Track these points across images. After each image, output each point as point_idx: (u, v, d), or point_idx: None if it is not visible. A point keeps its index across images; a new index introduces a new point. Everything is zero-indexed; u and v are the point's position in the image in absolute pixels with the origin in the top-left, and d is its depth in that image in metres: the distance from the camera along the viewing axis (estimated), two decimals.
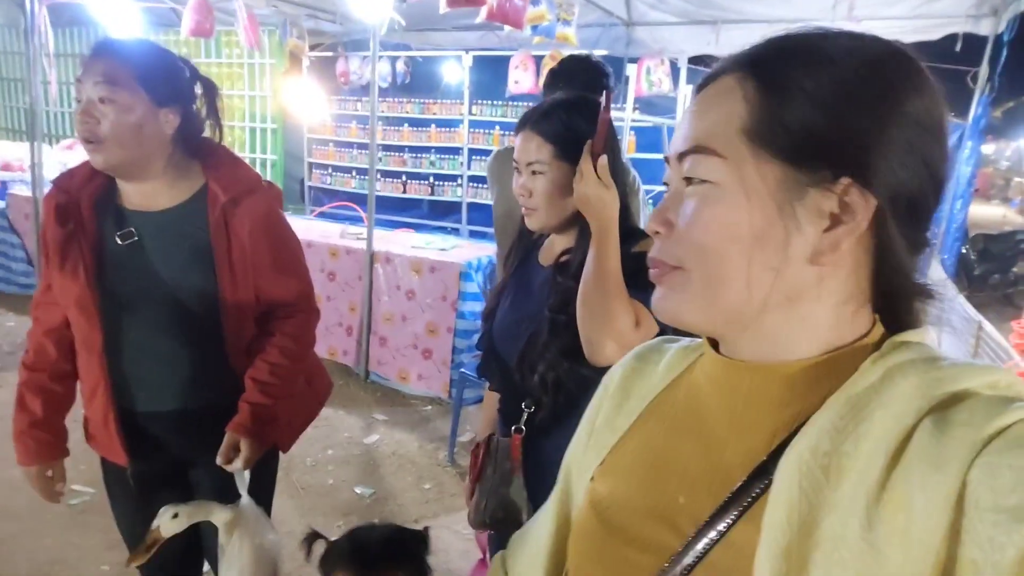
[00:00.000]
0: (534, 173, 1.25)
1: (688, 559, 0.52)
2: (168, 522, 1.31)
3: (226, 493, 1.45)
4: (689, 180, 0.53)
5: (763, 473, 0.50)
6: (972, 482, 0.41)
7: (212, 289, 1.38)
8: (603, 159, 1.12)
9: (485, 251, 4.05)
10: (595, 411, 0.72)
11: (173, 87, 1.37)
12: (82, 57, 1.32)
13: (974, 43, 4.59)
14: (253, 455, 1.42)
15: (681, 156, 0.54)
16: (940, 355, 0.49)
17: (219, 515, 1.37)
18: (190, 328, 1.40)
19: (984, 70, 4.84)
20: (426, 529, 1.19)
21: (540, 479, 1.26)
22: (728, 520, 0.51)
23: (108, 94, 1.28)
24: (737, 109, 0.51)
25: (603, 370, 0.93)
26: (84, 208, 1.36)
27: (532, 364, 1.23)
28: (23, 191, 5.20)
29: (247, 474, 1.44)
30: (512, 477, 1.28)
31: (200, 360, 1.43)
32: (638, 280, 1.13)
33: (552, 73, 2.22)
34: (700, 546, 0.51)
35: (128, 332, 1.39)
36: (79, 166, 1.42)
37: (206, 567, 1.68)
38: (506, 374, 1.34)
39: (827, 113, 0.48)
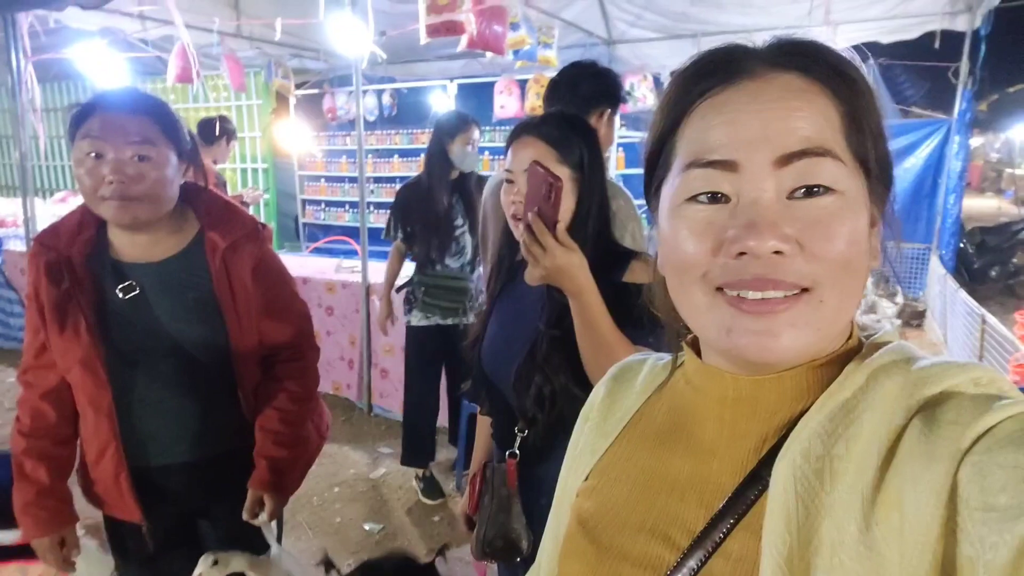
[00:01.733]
0: None
1: (684, 572, 0.51)
2: (208, 570, 1.36)
3: (238, 537, 1.46)
4: (808, 192, 0.47)
5: (755, 480, 0.50)
6: (962, 481, 0.41)
7: (221, 338, 1.38)
8: (561, 226, 1.08)
9: (481, 280, 4.03)
10: (576, 436, 0.71)
11: (185, 138, 1.38)
12: (77, 112, 1.29)
13: (952, 40, 4.64)
14: (277, 507, 1.46)
15: (791, 158, 0.47)
16: (919, 354, 0.50)
17: (256, 567, 1.42)
18: (199, 378, 1.39)
19: (964, 65, 4.90)
20: (434, 560, 1.20)
21: (537, 502, 1.24)
22: (723, 530, 0.50)
23: (145, 152, 1.28)
24: (831, 114, 0.48)
25: None
26: (77, 264, 1.33)
27: (527, 380, 1.21)
28: (18, 246, 5.21)
29: (274, 524, 1.48)
30: (510, 503, 1.25)
31: (210, 409, 1.42)
32: (631, 315, 1.11)
33: (553, 83, 2.01)
34: (696, 558, 0.51)
35: (135, 388, 1.37)
36: (61, 221, 1.40)
37: None
38: (497, 398, 1.32)
39: (880, 133, 0.51)
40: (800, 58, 0.50)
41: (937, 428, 0.43)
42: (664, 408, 0.62)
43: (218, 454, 1.46)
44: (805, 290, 0.48)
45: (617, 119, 2.00)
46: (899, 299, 5.82)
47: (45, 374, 1.40)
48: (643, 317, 1.10)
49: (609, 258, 1.22)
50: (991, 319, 3.69)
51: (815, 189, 0.47)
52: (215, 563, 1.39)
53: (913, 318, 5.72)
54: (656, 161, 0.56)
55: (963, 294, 4.29)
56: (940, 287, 5.19)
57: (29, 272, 1.36)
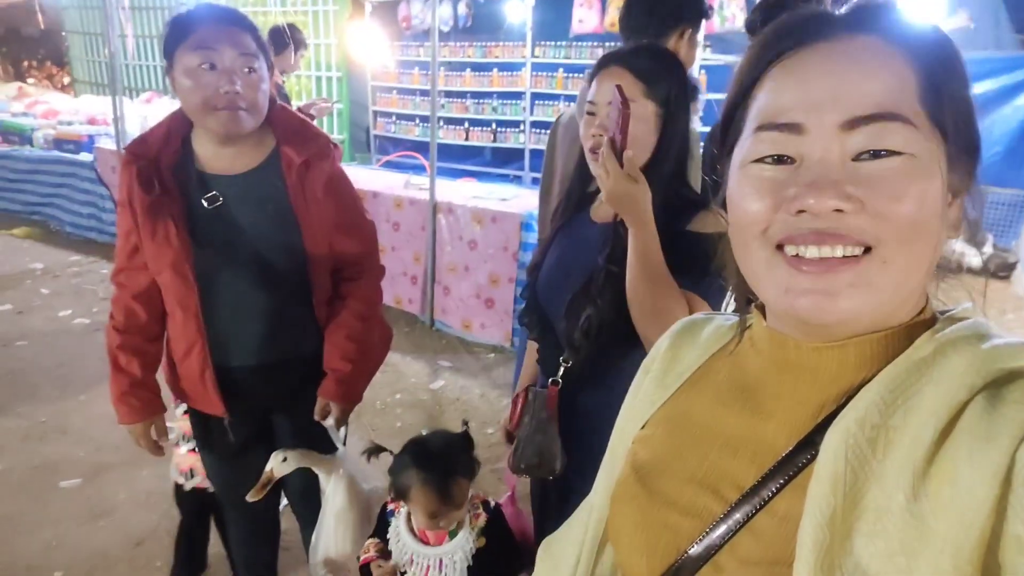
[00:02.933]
0: None
1: (730, 524, 0.53)
2: (279, 465, 1.52)
3: (307, 436, 1.59)
4: (875, 155, 0.47)
5: (809, 445, 0.51)
6: (1020, 460, 0.40)
7: (297, 247, 1.46)
8: (628, 153, 1.07)
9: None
10: (636, 386, 0.73)
11: (269, 52, 1.44)
12: (178, 23, 1.35)
13: None
14: (344, 415, 1.59)
15: (857, 123, 0.47)
16: (992, 332, 0.49)
17: (321, 464, 1.58)
18: (278, 284, 1.48)
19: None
20: (466, 427, 1.44)
21: (575, 430, 1.29)
22: (772, 488, 0.51)
23: (253, 64, 1.36)
24: (906, 74, 0.48)
25: None
26: (166, 173, 1.41)
27: (578, 310, 1.23)
28: (108, 144, 5.45)
29: (342, 429, 1.62)
30: (548, 427, 1.30)
31: (287, 314, 1.52)
32: (691, 265, 1.12)
33: (628, 2, 1.92)
34: (743, 512, 0.52)
35: (220, 291, 1.46)
36: (150, 132, 1.47)
37: (284, 502, 1.81)
38: (547, 326, 1.36)
39: (965, 100, 0.50)
40: (879, 21, 0.50)
41: (1001, 406, 0.43)
42: (726, 367, 0.63)
43: (293, 357, 1.56)
44: (868, 251, 0.47)
45: (700, 37, 1.88)
46: (987, 248, 5.48)
47: (136, 275, 1.50)
48: (701, 268, 1.11)
49: (679, 203, 1.21)
50: None
51: (882, 152, 0.47)
52: (284, 460, 1.52)
53: (1001, 269, 5.40)
54: (729, 125, 0.56)
55: None
56: None
57: (122, 179, 1.43)
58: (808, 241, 0.48)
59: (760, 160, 0.50)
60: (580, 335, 1.23)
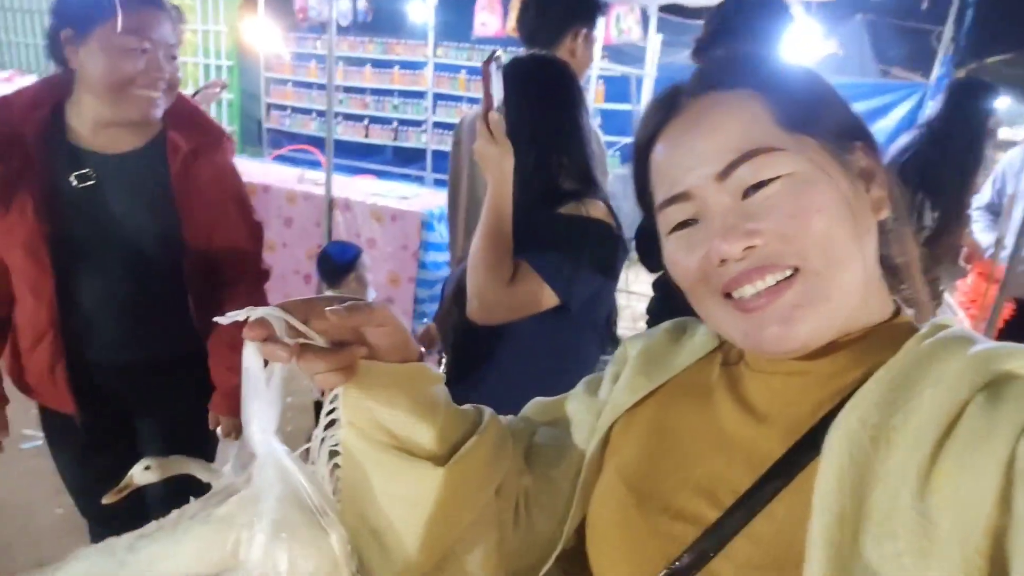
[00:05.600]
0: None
1: (727, 529, 0.52)
2: (141, 473, 1.35)
3: (176, 443, 1.45)
4: (754, 188, 0.52)
5: (807, 446, 0.51)
6: (1021, 454, 0.42)
7: (175, 237, 1.37)
8: (494, 114, 1.12)
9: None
10: (618, 365, 0.71)
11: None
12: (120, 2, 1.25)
13: (940, 2, 4.60)
14: (236, 428, 1.52)
15: (726, 172, 0.52)
16: (980, 338, 0.51)
17: (203, 469, 1.41)
18: (148, 276, 1.38)
19: (949, 29, 4.88)
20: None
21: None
22: (770, 492, 0.51)
23: (175, 52, 1.33)
24: (758, 109, 0.53)
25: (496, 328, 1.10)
26: (29, 143, 1.28)
27: (447, 312, 1.29)
28: None
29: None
30: None
31: (157, 310, 1.41)
32: (546, 243, 1.20)
33: (523, 3, 1.91)
34: (739, 517, 0.52)
35: (80, 279, 1.34)
36: (14, 95, 1.32)
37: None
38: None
39: (826, 94, 0.57)
40: (716, 75, 0.57)
41: (1000, 404, 0.45)
42: (717, 370, 0.63)
43: (161, 357, 1.46)
44: (797, 271, 0.51)
45: (596, 36, 1.88)
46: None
47: None
48: (548, 243, 1.20)
49: (555, 195, 1.28)
50: None
51: (761, 183, 0.52)
52: (147, 468, 1.35)
53: None
54: (644, 192, 0.62)
55: None
56: None
57: None
58: (741, 283, 0.52)
59: (673, 230, 0.57)
60: (449, 335, 1.28)
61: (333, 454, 0.60)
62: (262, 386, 0.54)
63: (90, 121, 1.32)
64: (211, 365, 1.48)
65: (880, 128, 5.91)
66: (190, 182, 1.37)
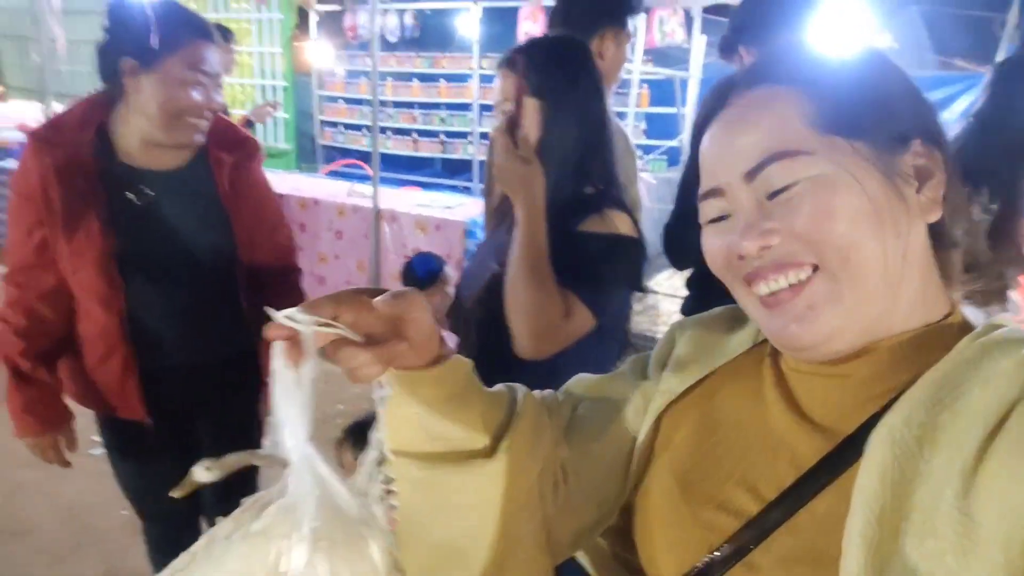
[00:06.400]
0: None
1: (768, 523, 0.53)
2: (201, 472, 1.41)
3: (231, 442, 1.52)
4: (778, 191, 0.52)
5: (851, 445, 0.51)
6: None
7: (228, 245, 1.46)
8: (522, 133, 1.06)
9: None
10: (659, 358, 0.71)
11: None
12: (170, 30, 1.33)
13: None
14: None
15: (752, 173, 0.53)
16: None
17: (259, 457, 1.49)
18: (207, 282, 1.46)
19: (1013, 15, 4.66)
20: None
21: None
22: (813, 489, 0.51)
23: (220, 79, 1.41)
24: (796, 108, 0.53)
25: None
26: (87, 164, 1.34)
27: (469, 317, 1.22)
28: None
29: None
30: None
31: (215, 315, 1.49)
32: (578, 265, 1.09)
33: (552, 7, 1.86)
34: (781, 511, 0.52)
35: (144, 291, 1.41)
36: (61, 118, 1.39)
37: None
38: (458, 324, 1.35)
39: (882, 92, 0.54)
40: (765, 70, 0.57)
41: None
42: (767, 365, 0.62)
43: (219, 358, 1.54)
44: (817, 270, 0.52)
45: (628, 36, 1.79)
46: None
47: (42, 274, 1.39)
48: (585, 270, 1.10)
49: (574, 203, 1.17)
50: None
51: (783, 188, 0.52)
52: (208, 468, 1.45)
53: None
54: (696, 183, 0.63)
55: None
56: None
57: (29, 168, 1.34)
58: (757, 278, 0.54)
59: (710, 222, 0.59)
60: (470, 340, 1.21)
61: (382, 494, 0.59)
62: (293, 389, 0.52)
63: (138, 140, 1.39)
64: (264, 361, 1.53)
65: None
66: (236, 193, 1.47)
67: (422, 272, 2.63)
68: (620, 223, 1.19)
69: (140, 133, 1.38)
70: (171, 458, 1.52)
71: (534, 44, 1.24)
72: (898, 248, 0.52)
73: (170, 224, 1.40)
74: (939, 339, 0.52)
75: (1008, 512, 0.42)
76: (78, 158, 1.34)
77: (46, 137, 1.35)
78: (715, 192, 0.57)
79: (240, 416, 1.62)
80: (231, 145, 1.47)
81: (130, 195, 1.37)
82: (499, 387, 0.66)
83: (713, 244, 0.58)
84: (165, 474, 1.50)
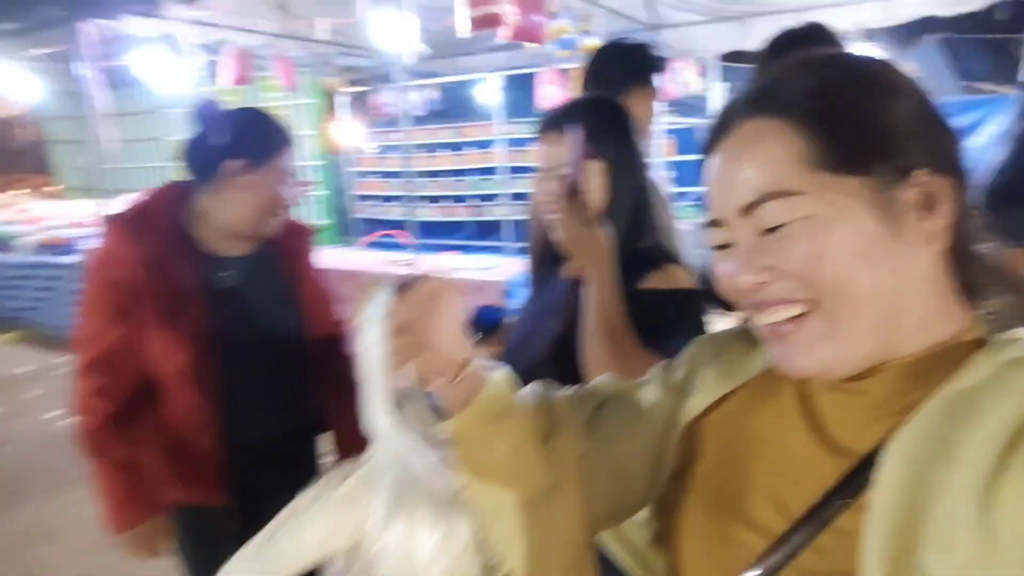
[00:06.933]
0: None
1: (795, 542, 0.53)
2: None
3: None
4: (774, 228, 0.53)
5: (870, 463, 0.51)
6: None
7: (300, 322, 1.55)
8: (583, 198, 1.07)
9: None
10: (684, 374, 0.72)
11: None
12: (285, 139, 1.46)
13: (1017, 8, 4.42)
14: None
15: (748, 209, 0.54)
16: None
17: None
18: (283, 362, 1.53)
19: None
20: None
21: None
22: (835, 507, 0.52)
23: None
24: (790, 145, 0.53)
25: None
26: (179, 253, 1.41)
27: (536, 376, 1.21)
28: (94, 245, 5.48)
29: None
30: None
31: (291, 391, 1.55)
32: (650, 323, 1.07)
33: (585, 69, 1.91)
34: (806, 531, 0.53)
35: (232, 372, 1.44)
36: (143, 208, 1.43)
37: None
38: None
39: (879, 124, 0.53)
40: (765, 99, 0.56)
41: None
42: (792, 382, 0.62)
43: (290, 432, 1.59)
44: (816, 304, 0.52)
45: (654, 92, 1.85)
46: None
47: (128, 361, 1.39)
48: (657, 327, 1.08)
49: (634, 262, 1.17)
50: None
51: (776, 227, 0.53)
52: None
53: None
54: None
55: None
56: None
57: (115, 255, 1.37)
58: (760, 309, 0.55)
59: (717, 248, 0.60)
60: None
61: None
62: (380, 365, 0.55)
63: (218, 230, 1.46)
64: (339, 429, 1.61)
65: (972, 146, 5.60)
66: (301, 275, 1.58)
67: (488, 322, 2.67)
68: (680, 276, 1.18)
69: (227, 223, 1.45)
70: (240, 542, 1.51)
71: (582, 107, 1.24)
72: (894, 281, 0.52)
73: (251, 306, 1.48)
74: (956, 355, 0.52)
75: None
76: (170, 246, 1.40)
77: (133, 225, 1.39)
78: (715, 223, 0.58)
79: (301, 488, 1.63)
80: (292, 232, 1.57)
81: (218, 279, 1.45)
82: (525, 393, 0.68)
83: (721, 271, 0.59)
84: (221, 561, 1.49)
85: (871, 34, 4.18)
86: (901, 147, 0.52)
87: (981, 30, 5.52)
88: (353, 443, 1.51)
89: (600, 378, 0.78)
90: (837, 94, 0.54)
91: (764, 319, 0.55)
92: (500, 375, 0.63)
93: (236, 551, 1.46)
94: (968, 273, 0.55)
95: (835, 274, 0.51)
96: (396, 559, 0.57)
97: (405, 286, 0.57)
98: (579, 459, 0.67)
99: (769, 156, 0.53)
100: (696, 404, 0.67)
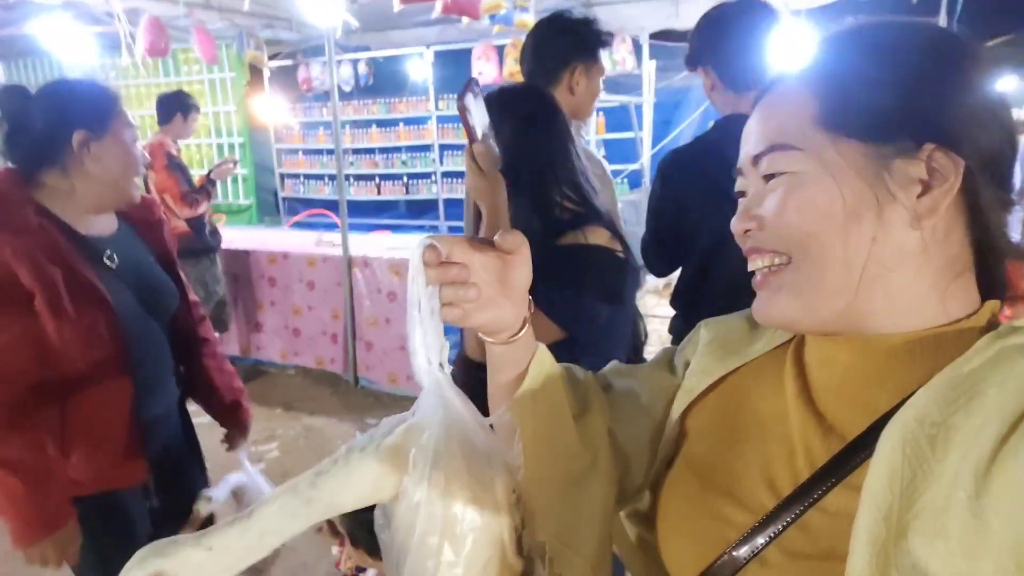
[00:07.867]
0: None
1: (782, 520, 0.53)
2: (205, 505, 1.53)
3: (182, 492, 1.59)
4: (770, 177, 0.56)
5: (864, 443, 0.51)
6: None
7: (173, 293, 1.56)
8: (478, 146, 1.14)
9: None
10: (685, 357, 0.73)
11: None
12: (113, 98, 1.39)
13: None
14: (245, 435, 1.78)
15: (756, 159, 0.57)
16: None
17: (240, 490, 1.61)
18: (171, 331, 1.55)
19: (942, 20, 4.87)
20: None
21: None
22: (824, 486, 0.52)
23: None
24: (805, 104, 0.55)
25: None
26: (58, 241, 1.30)
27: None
28: None
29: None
30: None
31: (176, 358, 1.59)
32: (544, 277, 1.12)
33: (523, 46, 1.87)
34: (794, 509, 0.53)
35: (136, 347, 1.42)
36: (10, 204, 1.29)
37: None
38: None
39: (897, 93, 0.52)
40: (800, 65, 0.58)
41: None
42: (789, 363, 0.62)
43: (180, 401, 1.63)
44: (791, 260, 0.55)
45: (597, 71, 1.81)
46: None
47: (23, 366, 1.28)
48: (568, 276, 1.19)
49: (554, 226, 1.28)
50: None
51: (773, 175, 0.56)
52: (208, 499, 1.52)
53: None
54: None
55: None
56: None
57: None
58: (749, 255, 0.59)
59: (739, 195, 0.62)
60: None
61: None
62: (427, 316, 0.55)
63: (82, 211, 1.38)
64: (220, 385, 1.68)
65: None
66: (163, 248, 1.58)
67: None
68: (595, 236, 1.25)
69: (90, 201, 1.38)
70: (158, 518, 1.53)
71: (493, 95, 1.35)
72: (875, 249, 0.52)
73: (135, 283, 1.45)
74: (956, 339, 0.52)
75: (1017, 514, 0.41)
76: (42, 238, 1.28)
77: (9, 226, 1.25)
78: (738, 171, 0.61)
79: (196, 451, 1.71)
80: (143, 207, 1.53)
81: (106, 261, 1.40)
82: (555, 371, 0.69)
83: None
84: (143, 540, 1.41)
85: (797, 14, 4.28)
86: (908, 120, 0.52)
87: (896, 13, 5.73)
88: (218, 405, 1.70)
89: (609, 366, 0.80)
90: (850, 67, 0.55)
91: (750, 265, 0.58)
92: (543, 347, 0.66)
93: (153, 530, 1.44)
94: (987, 262, 0.55)
95: (802, 229, 0.53)
96: (429, 514, 0.58)
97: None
98: (607, 435, 0.69)
99: (784, 113, 0.56)
100: (695, 385, 0.68)
